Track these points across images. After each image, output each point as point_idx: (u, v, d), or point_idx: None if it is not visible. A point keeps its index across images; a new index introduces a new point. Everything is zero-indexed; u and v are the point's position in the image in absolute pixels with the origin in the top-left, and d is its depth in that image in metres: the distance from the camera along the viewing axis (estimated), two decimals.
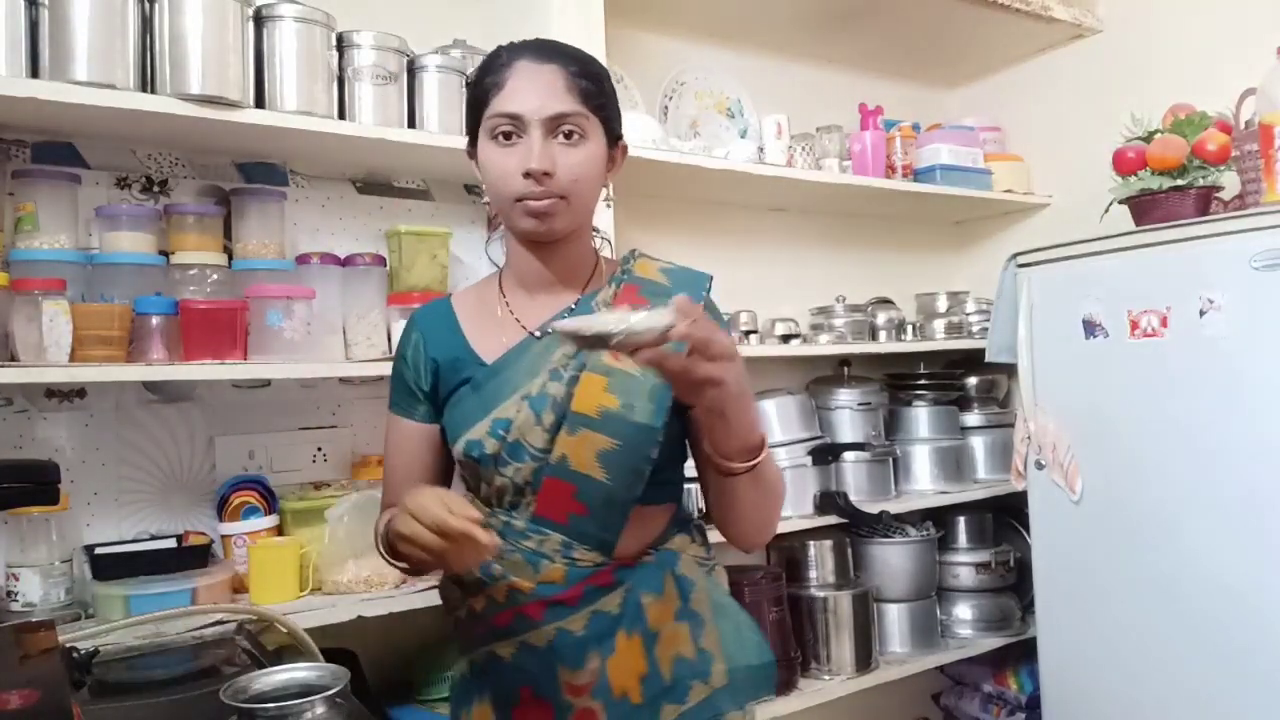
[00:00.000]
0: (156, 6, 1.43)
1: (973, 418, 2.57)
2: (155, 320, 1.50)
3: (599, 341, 0.88)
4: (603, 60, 1.84)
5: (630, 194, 1.96)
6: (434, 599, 1.62)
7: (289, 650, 1.26)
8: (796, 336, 2.29)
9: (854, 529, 2.31)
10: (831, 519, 2.20)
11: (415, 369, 1.19)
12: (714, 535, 1.22)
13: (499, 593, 1.10)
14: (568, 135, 1.08)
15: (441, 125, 1.72)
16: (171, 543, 1.59)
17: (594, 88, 1.10)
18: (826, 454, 2.25)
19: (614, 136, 1.15)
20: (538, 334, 1.14)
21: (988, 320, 2.39)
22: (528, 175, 1.06)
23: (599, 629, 1.07)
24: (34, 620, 1.25)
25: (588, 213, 1.15)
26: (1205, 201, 1.95)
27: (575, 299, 1.16)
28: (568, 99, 1.08)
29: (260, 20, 1.54)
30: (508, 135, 1.08)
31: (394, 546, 1.00)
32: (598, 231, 1.24)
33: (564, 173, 1.07)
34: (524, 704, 1.09)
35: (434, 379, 1.17)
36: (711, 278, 1.19)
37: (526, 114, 1.06)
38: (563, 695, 1.07)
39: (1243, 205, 1.94)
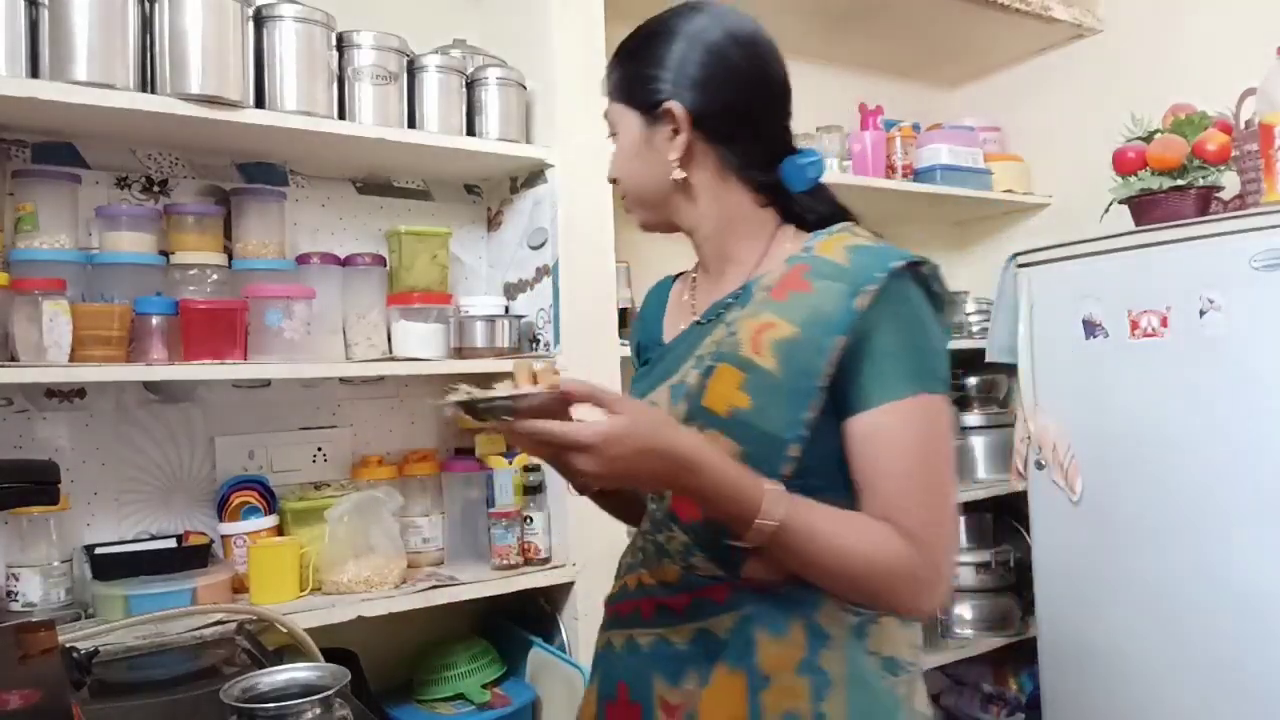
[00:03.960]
0: (156, 6, 1.43)
1: (973, 418, 2.56)
2: (155, 320, 1.50)
3: (491, 412, 0.81)
4: (600, 62, 1.84)
5: None
6: (434, 599, 1.63)
7: (289, 650, 1.26)
8: None
9: None
10: None
11: (635, 351, 1.19)
12: None
13: (631, 580, 1.03)
14: (611, 135, 1.05)
15: (442, 125, 1.72)
16: (171, 543, 1.59)
17: (617, 73, 1.03)
18: None
19: (646, 107, 1.00)
20: (702, 320, 1.04)
21: (988, 320, 2.39)
22: None
23: (703, 650, 0.94)
24: (34, 620, 1.25)
25: (656, 203, 1.04)
26: (1205, 201, 1.95)
27: (740, 285, 1.02)
28: (605, 101, 1.05)
29: (260, 20, 1.54)
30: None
31: None
32: (798, 199, 1.04)
33: (615, 173, 1.06)
34: (619, 702, 0.99)
35: (639, 360, 1.17)
36: (913, 262, 0.93)
37: None
38: (655, 709, 0.95)
39: (1243, 205, 1.94)
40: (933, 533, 0.88)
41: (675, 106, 0.98)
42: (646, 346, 1.15)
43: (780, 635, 0.92)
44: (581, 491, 1.00)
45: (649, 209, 1.05)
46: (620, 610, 1.03)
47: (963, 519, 2.49)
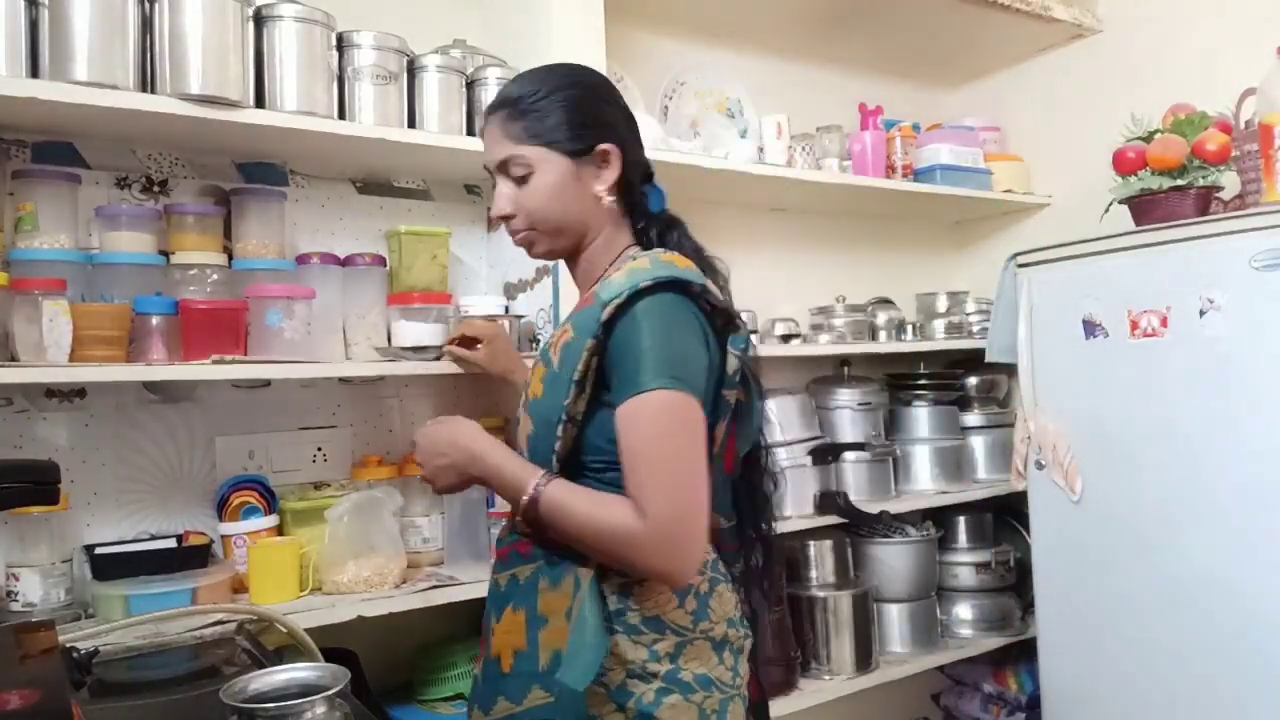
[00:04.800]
0: (156, 6, 1.43)
1: (973, 418, 2.57)
2: (155, 320, 1.49)
3: None
4: (600, 61, 1.85)
5: None
6: (434, 599, 1.63)
7: (289, 650, 1.26)
8: (796, 336, 2.29)
9: (854, 529, 2.31)
10: (831, 519, 2.20)
11: None
12: None
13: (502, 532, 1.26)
14: (517, 177, 1.19)
15: (441, 125, 1.72)
16: (171, 543, 1.59)
17: (527, 124, 1.18)
18: (826, 454, 2.25)
19: (578, 150, 1.18)
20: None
21: (988, 320, 2.39)
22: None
23: (511, 591, 1.16)
24: (34, 620, 1.26)
25: (571, 231, 1.22)
26: (1205, 201, 1.95)
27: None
28: (504, 144, 1.19)
29: (260, 20, 1.54)
30: (495, 183, 1.24)
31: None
32: (650, 222, 1.25)
33: (521, 210, 1.20)
34: (482, 630, 1.22)
35: None
36: (667, 281, 1.10)
37: (489, 166, 1.23)
38: (489, 636, 1.18)
39: (1243, 205, 1.94)
40: (659, 506, 1.03)
41: (612, 148, 1.19)
42: None
43: (555, 586, 1.12)
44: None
45: (560, 238, 1.23)
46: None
47: (962, 519, 2.49)
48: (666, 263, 1.13)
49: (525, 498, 1.09)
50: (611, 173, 1.20)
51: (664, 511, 1.03)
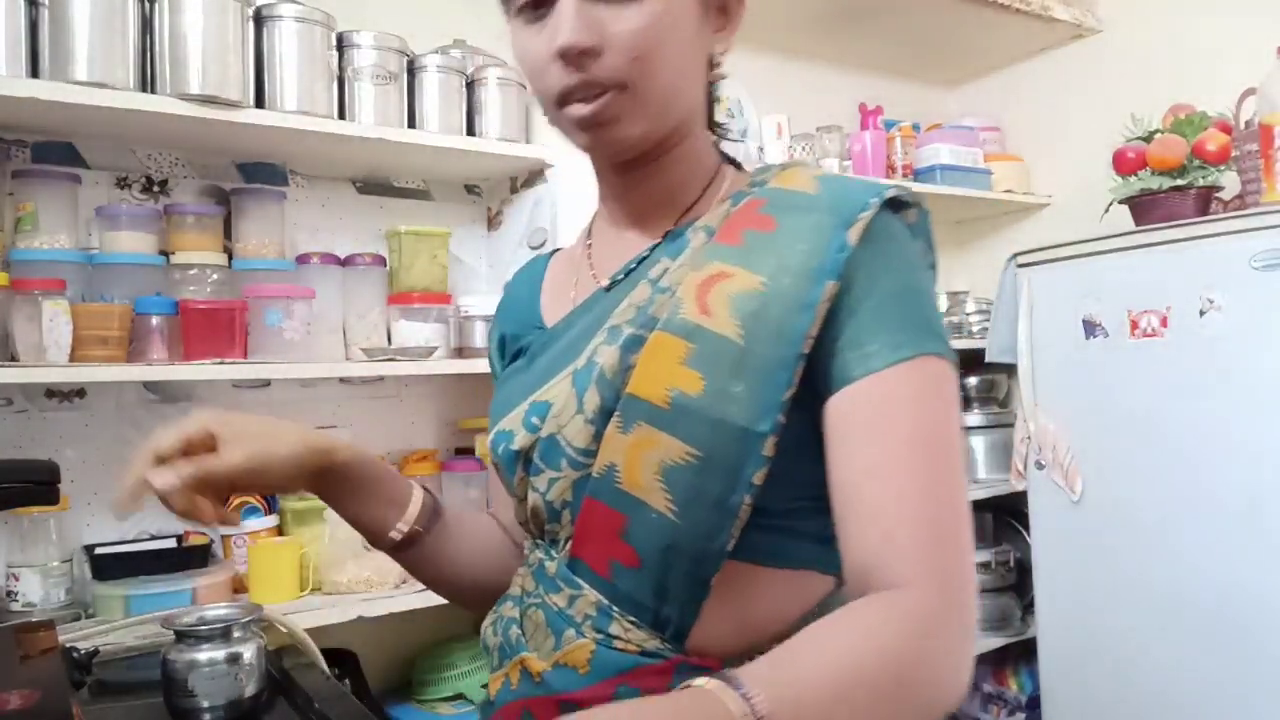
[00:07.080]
0: (156, 6, 1.43)
1: (973, 418, 2.56)
2: (155, 320, 1.50)
3: None
4: None
5: None
6: (434, 599, 1.62)
7: (289, 650, 1.26)
8: None
9: None
10: None
11: (495, 349, 0.90)
12: None
13: (513, 673, 0.74)
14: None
15: (442, 125, 1.72)
16: (171, 543, 1.59)
17: None
18: None
19: None
20: (607, 285, 0.78)
21: (988, 320, 2.39)
22: (564, 58, 0.68)
23: None
24: (34, 620, 1.25)
25: (677, 107, 0.73)
26: (1205, 201, 1.95)
27: (665, 232, 0.77)
28: None
29: (260, 20, 1.54)
30: (536, 5, 0.69)
31: None
32: (720, 128, 0.83)
33: (618, 45, 0.67)
34: None
35: (504, 358, 0.88)
36: (905, 199, 0.72)
37: None
38: None
39: (1243, 205, 1.94)
40: (950, 561, 0.60)
41: None
42: (517, 336, 0.85)
43: None
44: None
45: (663, 115, 0.72)
46: (506, 718, 0.71)
47: None
48: (842, 175, 0.75)
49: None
50: (731, 31, 0.76)
51: (961, 571, 0.62)
